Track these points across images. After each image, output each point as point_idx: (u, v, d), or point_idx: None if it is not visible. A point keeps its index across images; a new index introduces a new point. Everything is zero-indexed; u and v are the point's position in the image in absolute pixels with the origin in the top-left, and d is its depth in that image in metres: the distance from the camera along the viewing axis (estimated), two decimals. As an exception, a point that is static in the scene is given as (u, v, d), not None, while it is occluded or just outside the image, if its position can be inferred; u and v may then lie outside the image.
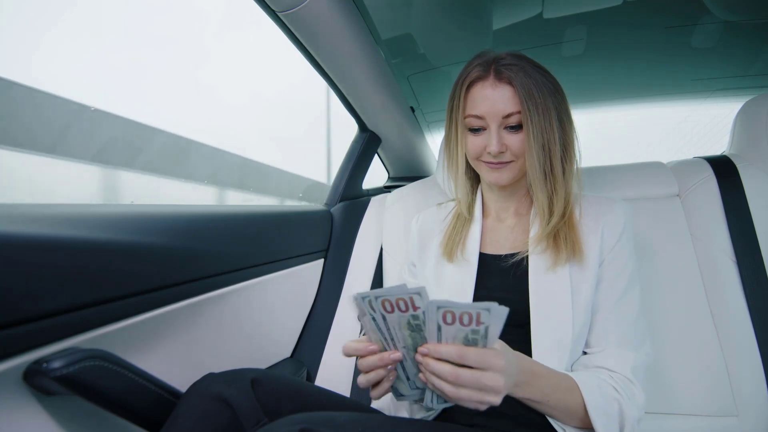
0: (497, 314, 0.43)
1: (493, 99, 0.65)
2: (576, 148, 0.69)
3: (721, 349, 0.82)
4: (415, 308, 0.45)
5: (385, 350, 0.51)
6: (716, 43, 1.30)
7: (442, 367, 0.46)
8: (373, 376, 0.52)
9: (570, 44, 1.32)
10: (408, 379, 0.54)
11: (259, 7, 0.79)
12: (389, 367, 0.51)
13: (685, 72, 1.49)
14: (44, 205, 0.57)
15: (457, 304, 0.43)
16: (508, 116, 0.65)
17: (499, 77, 0.65)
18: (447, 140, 0.75)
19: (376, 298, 0.46)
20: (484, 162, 0.69)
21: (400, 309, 0.46)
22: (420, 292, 0.44)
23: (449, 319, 0.44)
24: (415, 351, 0.50)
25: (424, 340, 0.48)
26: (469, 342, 0.46)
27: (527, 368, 0.53)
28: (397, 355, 0.50)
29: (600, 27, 1.25)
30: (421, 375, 0.50)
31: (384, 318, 0.48)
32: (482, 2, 1.17)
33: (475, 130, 0.68)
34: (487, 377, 0.46)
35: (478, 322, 0.43)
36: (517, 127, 0.66)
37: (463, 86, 0.68)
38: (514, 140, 0.66)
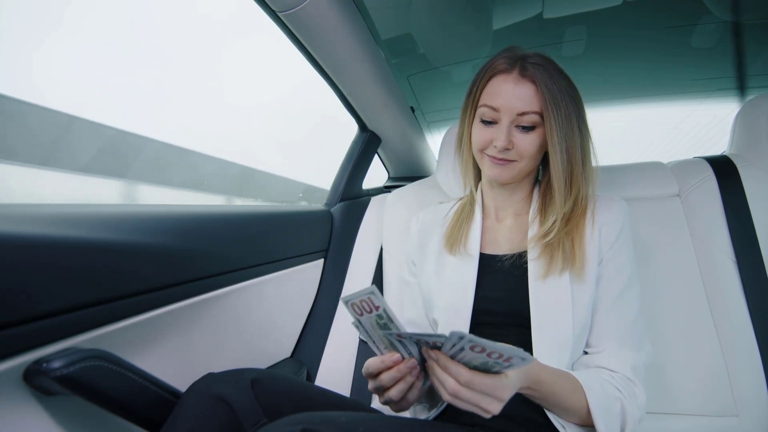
0: (526, 362, 0.43)
1: (513, 94, 0.65)
2: (592, 154, 0.69)
3: (721, 349, 0.82)
4: (376, 308, 0.47)
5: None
6: (716, 43, 1.30)
7: (445, 378, 0.47)
8: (403, 386, 0.52)
9: (570, 44, 1.32)
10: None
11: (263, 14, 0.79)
12: (414, 374, 0.53)
13: (685, 72, 1.49)
14: (44, 205, 0.57)
15: (490, 344, 0.42)
16: (522, 114, 0.64)
17: (524, 74, 0.65)
18: (460, 126, 0.75)
19: (346, 302, 0.48)
20: (487, 155, 0.69)
21: (365, 310, 0.48)
22: (373, 291, 0.46)
23: (477, 349, 0.44)
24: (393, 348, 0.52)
25: (393, 336, 0.49)
26: (487, 367, 0.47)
27: (534, 377, 0.53)
28: (412, 362, 0.51)
29: (600, 27, 1.25)
30: (427, 366, 0.51)
31: (360, 322, 0.50)
32: (482, 2, 1.17)
33: (486, 122, 0.68)
34: (486, 402, 0.47)
35: (507, 360, 0.44)
36: (529, 128, 0.65)
37: (486, 75, 0.68)
38: (522, 140, 0.66)
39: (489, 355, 0.43)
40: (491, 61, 0.68)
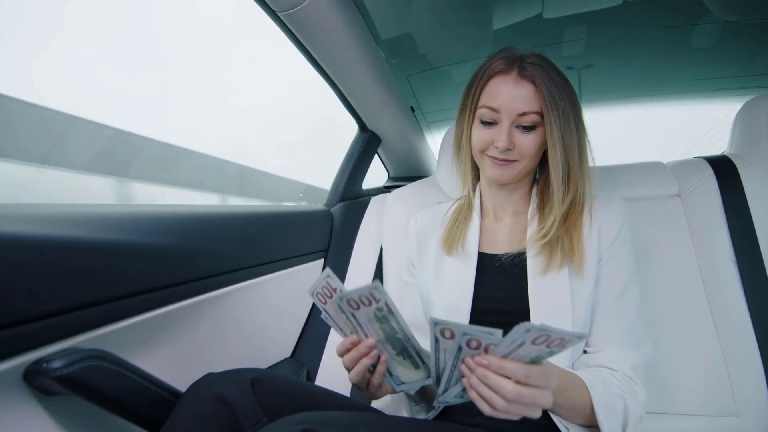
0: (583, 338, 0.42)
1: (513, 94, 0.65)
2: (589, 152, 0.69)
3: (721, 349, 0.82)
4: (377, 301, 0.48)
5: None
6: (716, 43, 1.30)
7: (504, 383, 0.44)
8: (360, 368, 0.54)
9: (570, 44, 1.32)
10: (390, 374, 0.57)
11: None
12: (371, 356, 0.54)
13: (685, 72, 1.49)
14: (44, 205, 0.57)
15: (557, 329, 0.39)
16: (523, 114, 0.65)
17: (523, 74, 0.65)
18: (457, 129, 0.74)
19: (341, 299, 0.50)
20: (488, 156, 0.68)
21: (364, 304, 0.49)
22: (377, 287, 0.47)
23: (540, 340, 0.41)
24: (390, 343, 0.52)
25: (394, 331, 0.50)
26: (536, 360, 0.45)
27: None
28: (371, 341, 0.53)
29: (600, 27, 1.25)
30: (464, 380, 0.47)
31: (353, 315, 0.51)
32: (482, 2, 1.17)
33: (486, 123, 0.68)
34: (543, 396, 0.46)
35: (563, 345, 0.41)
36: (529, 128, 0.66)
37: (484, 77, 0.68)
38: (523, 140, 0.66)
39: (549, 344, 0.41)
40: (488, 62, 0.68)
